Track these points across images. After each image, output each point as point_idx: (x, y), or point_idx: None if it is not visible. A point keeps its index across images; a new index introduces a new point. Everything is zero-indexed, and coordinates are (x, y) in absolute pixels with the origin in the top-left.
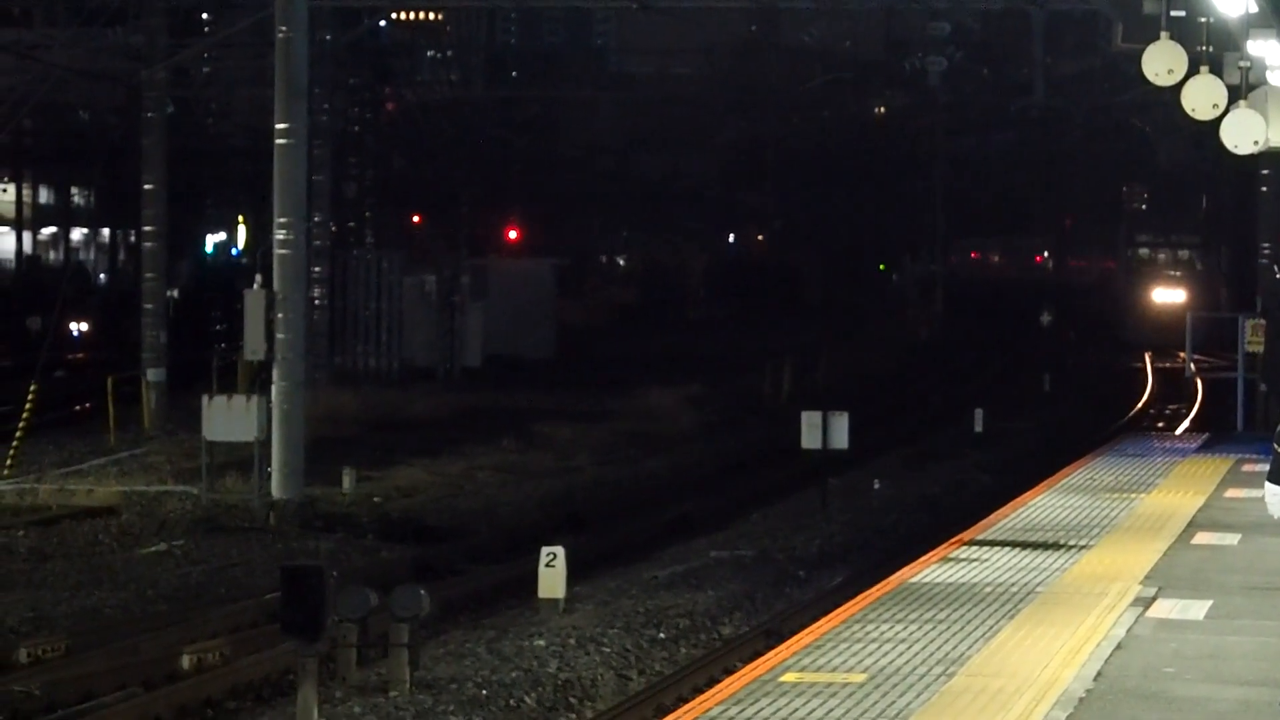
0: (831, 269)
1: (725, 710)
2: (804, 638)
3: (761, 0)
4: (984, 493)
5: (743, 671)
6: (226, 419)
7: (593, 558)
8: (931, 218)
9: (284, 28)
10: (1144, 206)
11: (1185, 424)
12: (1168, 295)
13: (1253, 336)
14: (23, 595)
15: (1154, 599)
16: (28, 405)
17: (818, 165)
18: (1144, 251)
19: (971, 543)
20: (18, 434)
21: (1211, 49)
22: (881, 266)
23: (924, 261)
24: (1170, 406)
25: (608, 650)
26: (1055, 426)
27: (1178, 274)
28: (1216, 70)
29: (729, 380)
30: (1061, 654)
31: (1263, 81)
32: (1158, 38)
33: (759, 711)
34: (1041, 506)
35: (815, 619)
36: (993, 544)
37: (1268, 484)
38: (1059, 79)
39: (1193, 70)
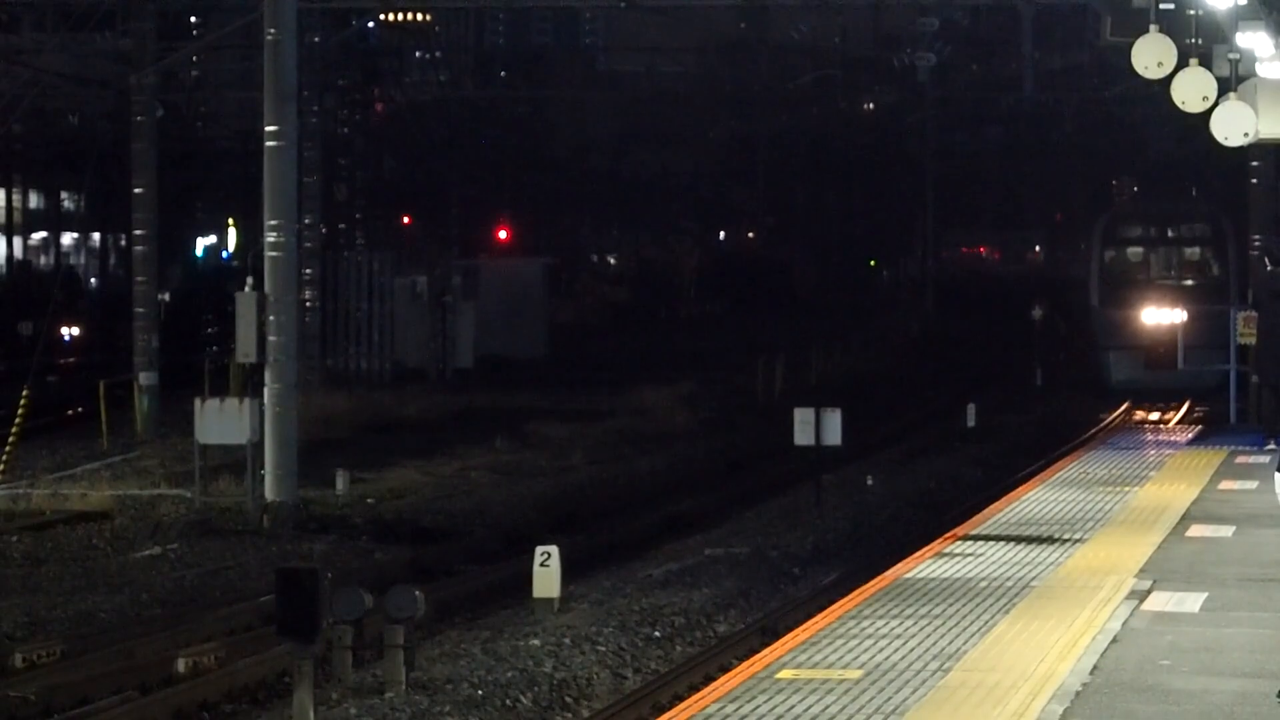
0: (823, 265)
1: (722, 708)
2: (799, 634)
3: None
4: (977, 487)
5: (739, 669)
6: (219, 422)
7: (587, 557)
8: (922, 213)
9: (272, 30)
10: (1134, 190)
11: (1178, 417)
12: (1166, 315)
13: (1244, 329)
14: (17, 600)
15: (1149, 592)
16: (20, 410)
17: (808, 162)
18: (1134, 251)
19: (966, 538)
20: (10, 439)
21: (1200, 42)
22: (872, 262)
23: (915, 256)
24: (1163, 399)
25: (603, 649)
26: (1048, 420)
27: (1185, 281)
28: (1206, 63)
29: (721, 378)
30: (1057, 648)
31: (1252, 74)
32: (1147, 31)
33: (755, 709)
34: (1035, 501)
35: (810, 616)
36: (987, 538)
37: (1278, 475)
38: (1048, 73)
39: (1182, 63)
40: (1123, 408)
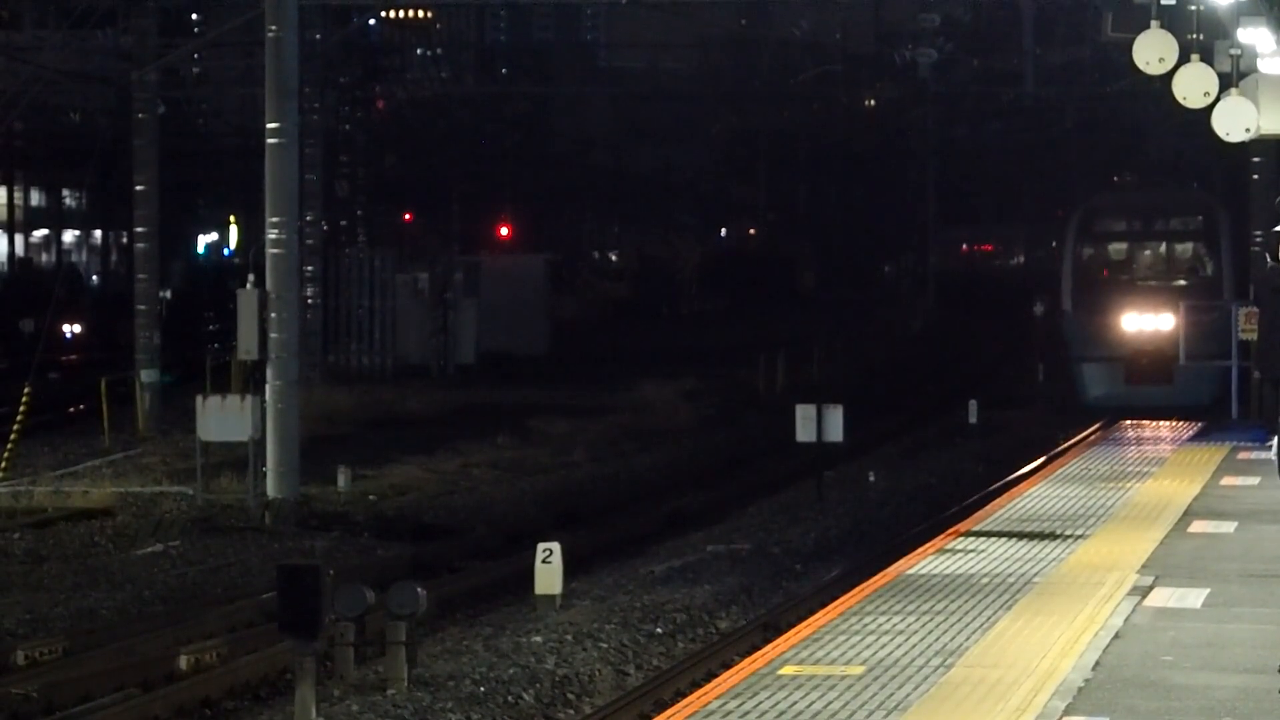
0: (824, 261)
1: (724, 704)
2: (801, 630)
3: None
4: (979, 483)
5: (741, 665)
6: (221, 419)
7: (589, 553)
8: (923, 209)
9: (274, 27)
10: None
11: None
12: (1149, 322)
13: (1246, 324)
14: (19, 597)
15: (1151, 588)
16: (22, 407)
17: (809, 158)
18: (1114, 248)
19: (968, 534)
20: (12, 436)
21: (1202, 37)
22: (873, 258)
23: (917, 252)
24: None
25: (605, 646)
26: (1049, 416)
27: (1175, 282)
28: (1207, 58)
29: (723, 374)
30: (1060, 644)
31: (1253, 69)
32: (1148, 26)
33: (757, 705)
34: (1037, 496)
35: (813, 612)
36: (989, 535)
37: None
38: (1049, 69)
39: (1183, 59)
40: None
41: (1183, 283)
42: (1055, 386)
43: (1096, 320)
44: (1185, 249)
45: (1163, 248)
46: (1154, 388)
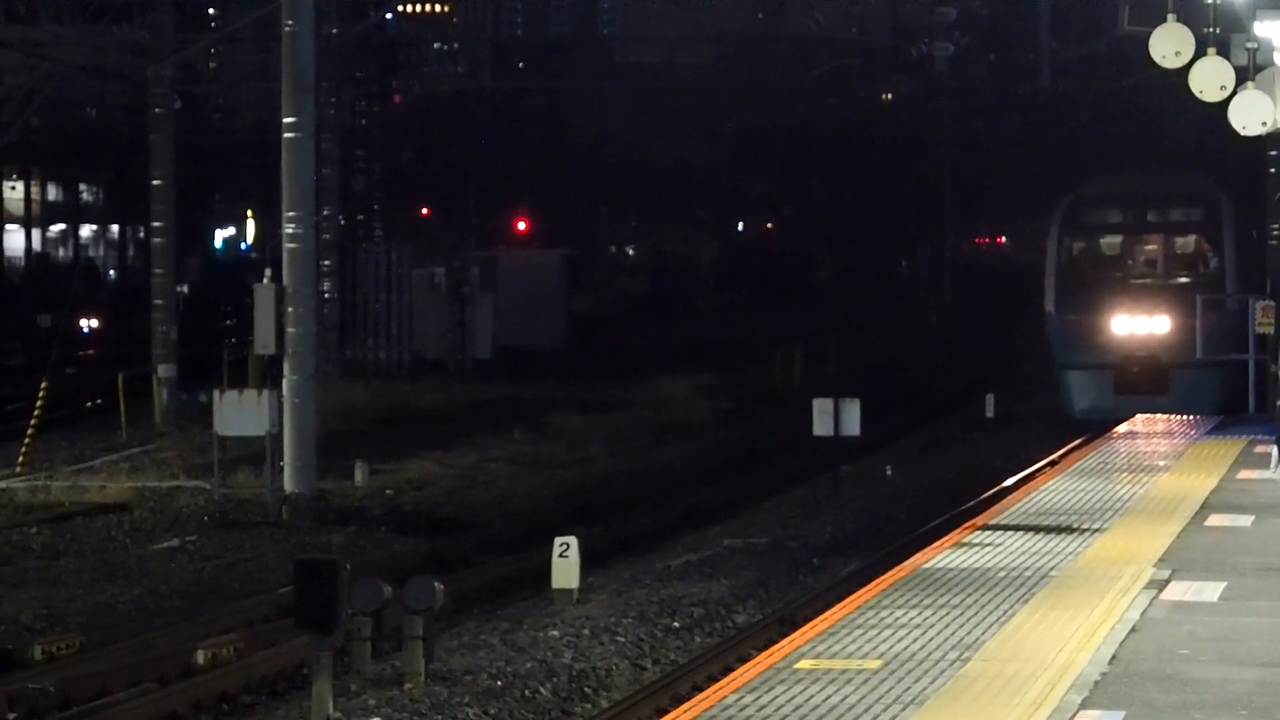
0: (841, 256)
1: (740, 698)
2: (818, 625)
3: None
4: (996, 477)
5: (757, 659)
6: (238, 414)
7: (606, 548)
8: (939, 203)
9: (290, 21)
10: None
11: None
12: (1142, 324)
13: (1263, 318)
14: (36, 592)
15: (1168, 581)
16: (39, 402)
17: (826, 152)
18: (1107, 242)
19: (985, 527)
20: (29, 431)
21: (1219, 30)
22: (892, 253)
23: (933, 246)
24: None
25: (622, 640)
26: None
27: (1172, 280)
28: (1224, 52)
29: (740, 369)
30: (1076, 637)
31: (1270, 62)
32: (1165, 20)
33: (774, 699)
34: (1054, 490)
35: (829, 606)
36: (1006, 528)
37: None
38: (1065, 63)
39: (1200, 52)
40: None
41: (1182, 280)
42: (1040, 396)
43: (1084, 322)
44: (1184, 243)
45: (1158, 241)
46: (1147, 398)
